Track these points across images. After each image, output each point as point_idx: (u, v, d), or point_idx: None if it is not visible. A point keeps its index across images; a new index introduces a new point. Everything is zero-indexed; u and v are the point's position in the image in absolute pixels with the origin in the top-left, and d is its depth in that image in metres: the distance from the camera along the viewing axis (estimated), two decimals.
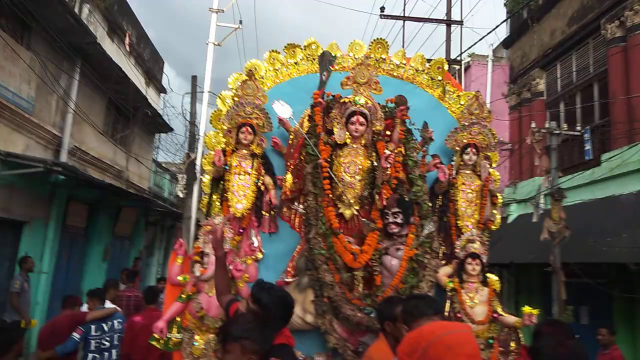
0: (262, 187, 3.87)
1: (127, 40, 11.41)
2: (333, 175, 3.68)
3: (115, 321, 4.50)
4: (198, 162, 11.19)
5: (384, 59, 4.24)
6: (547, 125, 7.48)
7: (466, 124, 4.00)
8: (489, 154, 4.07)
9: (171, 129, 13.84)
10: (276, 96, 3.98)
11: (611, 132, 7.71)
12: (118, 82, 9.84)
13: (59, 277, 8.68)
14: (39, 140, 8.16)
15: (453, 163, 4.02)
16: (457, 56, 11.54)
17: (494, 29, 10.77)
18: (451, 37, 11.60)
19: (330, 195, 3.67)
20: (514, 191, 10.31)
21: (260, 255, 3.79)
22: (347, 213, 3.70)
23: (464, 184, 3.94)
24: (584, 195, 7.78)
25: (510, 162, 10.97)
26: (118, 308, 4.91)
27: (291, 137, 3.95)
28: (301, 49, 4.23)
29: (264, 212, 3.89)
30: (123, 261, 11.74)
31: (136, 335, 4.31)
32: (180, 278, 3.47)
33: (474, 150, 3.96)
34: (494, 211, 4.05)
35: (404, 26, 12.33)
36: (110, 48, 10.45)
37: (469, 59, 12.09)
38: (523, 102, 10.57)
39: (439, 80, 4.26)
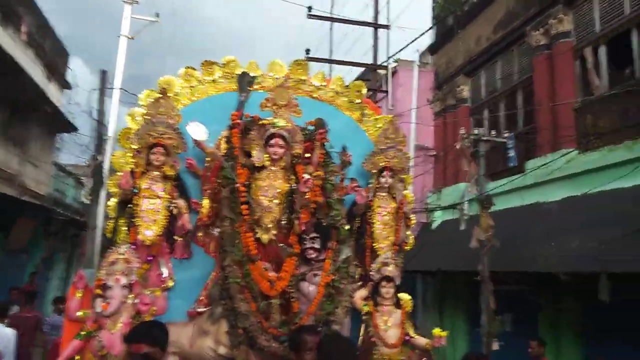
0: (175, 211, 3.67)
1: (23, 28, 10.22)
2: (251, 200, 3.58)
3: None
4: (106, 165, 10.25)
5: (304, 80, 4.22)
6: (474, 132, 7.51)
7: (382, 147, 4.09)
8: (403, 176, 4.20)
9: (75, 129, 12.65)
10: (192, 114, 3.80)
11: (536, 139, 7.83)
12: (11, 74, 8.75)
13: None
14: None
15: (370, 186, 4.09)
16: (384, 61, 11.54)
17: (420, 35, 10.24)
18: (379, 42, 11.83)
19: (248, 220, 3.57)
20: (438, 197, 10.38)
21: (170, 284, 3.59)
22: (265, 238, 3.61)
23: (380, 206, 4.03)
24: (509, 202, 7.77)
25: (435, 169, 11.12)
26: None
27: (208, 159, 3.79)
28: (219, 66, 4.08)
29: (176, 237, 3.70)
30: (18, 277, 10.58)
31: None
32: (79, 313, 3.17)
33: (389, 173, 4.06)
34: (408, 232, 4.18)
35: (331, 28, 12.42)
36: (3, 36, 9.26)
37: (396, 64, 12.08)
38: (448, 108, 10.63)
39: (358, 103, 4.33)
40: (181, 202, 3.67)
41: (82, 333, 3.09)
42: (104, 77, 11.12)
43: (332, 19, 12.25)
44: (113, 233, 3.64)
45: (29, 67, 9.92)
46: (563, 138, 7.24)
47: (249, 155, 3.74)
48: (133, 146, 3.74)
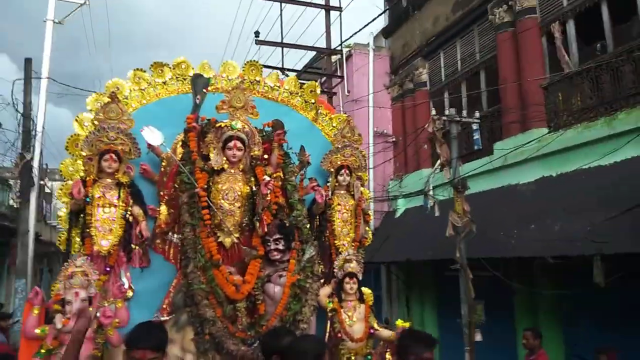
0: (131, 219, 3.55)
1: None
2: (211, 204, 3.54)
3: None
4: (35, 163, 9.43)
5: (258, 81, 4.21)
6: (446, 113, 7.12)
7: (339, 146, 4.17)
8: (360, 174, 4.30)
9: None
10: (143, 118, 3.69)
11: (503, 120, 7.61)
12: None
13: None
14: None
15: (329, 184, 4.16)
16: (338, 46, 11.18)
17: (375, 18, 9.59)
18: (331, 25, 11.20)
19: (209, 225, 3.53)
20: (399, 184, 10.09)
21: (130, 294, 3.49)
22: (227, 241, 3.60)
23: (339, 204, 4.11)
24: (478, 186, 7.37)
25: (394, 155, 10.82)
26: None
27: (163, 163, 3.70)
28: (170, 68, 3.98)
29: (133, 246, 3.59)
30: None
31: None
32: (38, 331, 3.01)
33: (347, 171, 4.14)
34: (367, 228, 4.30)
35: (281, 11, 11.24)
36: None
37: (350, 48, 11.62)
38: (406, 92, 10.33)
39: (312, 103, 4.37)
40: (137, 210, 3.57)
41: (42, 351, 2.95)
42: (29, 67, 10.21)
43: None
44: (67, 245, 3.47)
45: None
46: (532, 117, 6.98)
47: (206, 158, 3.69)
48: (82, 153, 3.57)
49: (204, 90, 3.85)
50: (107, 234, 3.41)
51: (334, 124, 4.41)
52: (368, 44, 11.36)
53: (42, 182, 12.23)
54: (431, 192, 7.79)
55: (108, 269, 3.37)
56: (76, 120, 3.71)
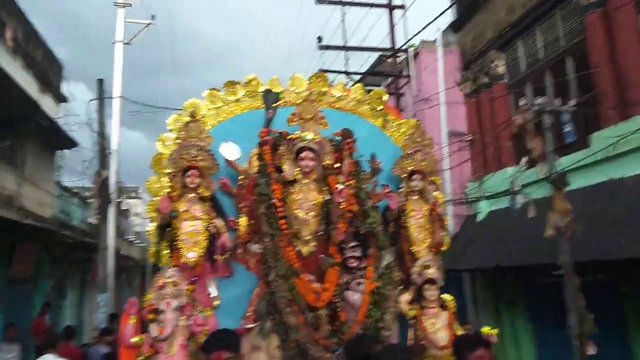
0: (214, 231, 3.71)
1: (8, 34, 9.11)
2: (288, 214, 3.63)
3: None
4: (111, 180, 9.99)
5: (325, 92, 4.28)
6: (537, 102, 6.11)
7: (410, 151, 4.14)
8: (433, 178, 4.24)
9: (75, 144, 11.59)
10: (219, 135, 3.87)
11: (599, 109, 6.78)
12: None
13: None
14: None
15: (401, 190, 4.13)
16: (403, 44, 10.65)
17: (442, 12, 8.98)
18: (395, 25, 10.79)
19: (287, 234, 3.61)
20: (479, 186, 9.31)
21: (217, 303, 3.63)
22: (305, 250, 3.66)
23: (413, 210, 4.06)
24: (574, 182, 6.32)
25: (471, 155, 10.03)
26: None
27: (241, 177, 3.85)
28: (242, 85, 4.16)
29: (216, 257, 3.74)
30: (25, 309, 9.78)
31: None
32: (135, 339, 3.21)
33: (419, 176, 4.10)
34: (443, 233, 4.21)
35: (343, 14, 10.97)
36: None
37: (417, 46, 11.07)
38: (480, 87, 9.61)
39: (380, 110, 4.38)
40: (219, 222, 3.72)
41: (140, 359, 3.13)
42: (101, 87, 10.59)
43: (343, 2, 11.01)
44: (156, 257, 3.68)
45: (18, 77, 8.91)
46: (635, 103, 6.17)
47: (280, 170, 3.80)
48: (166, 170, 3.80)
49: (275, 105, 3.98)
50: (193, 246, 3.58)
51: (403, 130, 4.39)
52: (435, 40, 10.78)
53: (118, 200, 12.72)
54: (522, 191, 6.85)
55: (195, 279, 3.54)
56: (159, 140, 3.95)
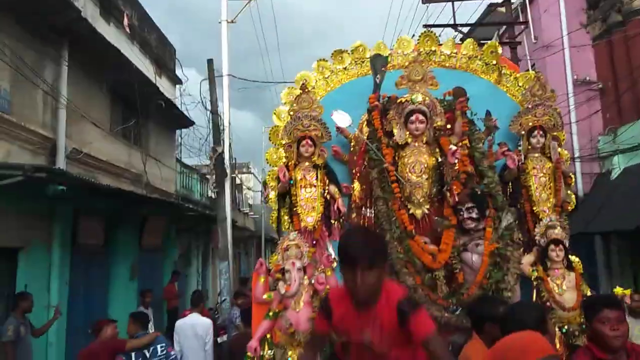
0: (329, 197, 3.89)
1: (125, 21, 9.47)
2: (400, 178, 3.66)
3: (158, 346, 4.32)
4: (226, 155, 10.23)
5: (434, 51, 4.16)
6: None
7: (529, 106, 3.87)
8: (556, 134, 3.93)
9: (192, 122, 12.24)
10: (329, 105, 3.99)
11: None
12: (120, 69, 8.12)
13: (76, 308, 7.06)
14: (25, 144, 6.31)
15: (520, 148, 3.91)
16: None
17: None
18: None
19: (400, 198, 3.66)
20: (613, 139, 8.48)
21: (335, 264, 3.83)
22: (418, 213, 3.68)
23: (534, 168, 3.83)
24: None
25: (602, 105, 9.13)
26: (158, 333, 4.76)
27: (352, 144, 3.95)
28: (348, 53, 4.21)
29: (333, 221, 3.92)
30: (155, 277, 10.39)
31: None
32: (265, 296, 3.55)
33: (541, 132, 3.84)
34: (569, 192, 3.92)
35: None
36: (107, 31, 8.59)
37: None
38: (612, 27, 8.64)
39: (494, 65, 4.15)
40: (333, 188, 3.89)
41: (270, 314, 3.45)
42: (211, 66, 10.75)
43: None
44: (278, 223, 3.98)
45: (137, 62, 9.27)
46: None
47: (391, 135, 3.82)
48: (282, 141, 4.03)
49: (383, 69, 3.97)
50: (310, 211, 3.80)
51: (521, 84, 4.12)
52: None
53: (232, 175, 13.40)
54: None
55: (315, 242, 3.76)
56: (274, 113, 4.20)
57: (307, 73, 4.20)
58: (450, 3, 9.71)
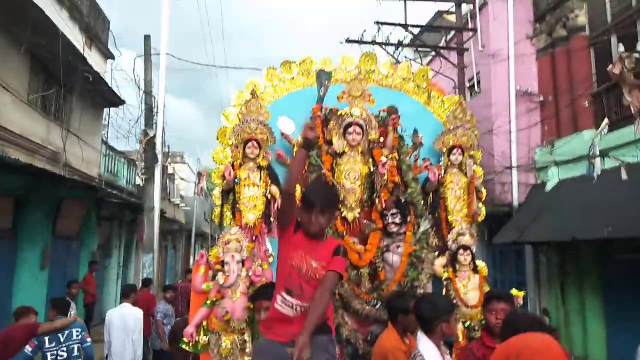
0: (270, 197, 4.21)
1: None
2: (336, 183, 4.05)
3: (73, 330, 4.35)
4: (158, 140, 9.36)
5: (374, 70, 4.60)
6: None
7: (451, 127, 4.41)
8: (473, 153, 4.50)
9: (122, 101, 11.02)
10: (276, 111, 4.30)
11: None
12: (44, 33, 7.12)
13: None
14: None
15: (441, 163, 4.44)
16: None
17: None
18: None
19: None
20: (550, 152, 8.62)
21: (271, 259, 4.15)
22: (350, 216, 4.09)
23: (452, 182, 4.37)
24: None
25: (542, 117, 9.28)
26: (78, 318, 4.77)
27: (295, 149, 4.28)
28: (297, 65, 4.55)
29: (272, 219, 4.24)
30: (70, 267, 9.58)
31: None
32: (204, 286, 3.79)
33: (459, 151, 4.38)
34: (480, 205, 4.50)
35: None
36: None
37: None
38: (557, 42, 8.84)
39: (425, 87, 4.65)
40: (274, 189, 4.20)
41: (208, 302, 3.72)
42: (149, 44, 9.96)
43: None
44: (220, 218, 4.23)
45: (64, 27, 8.26)
46: None
47: (330, 143, 4.20)
48: (230, 142, 4.29)
49: (327, 84, 4.34)
50: (252, 209, 4.10)
51: (446, 106, 4.65)
52: None
53: (165, 164, 12.31)
54: (594, 156, 6.22)
55: (254, 237, 4.07)
56: (223, 114, 4.44)
57: (256, 80, 4.49)
58: (402, 2, 9.73)
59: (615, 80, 5.57)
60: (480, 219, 4.51)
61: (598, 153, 6.26)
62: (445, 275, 4.03)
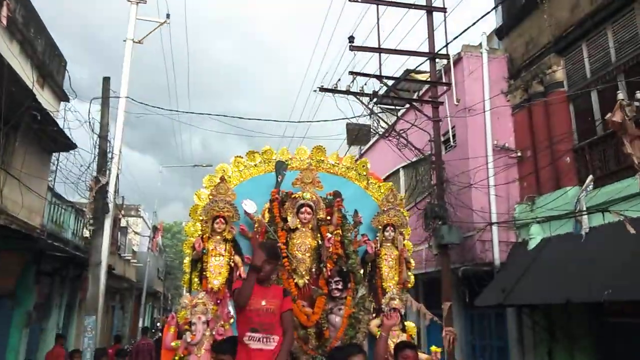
0: (233, 265, 4.95)
1: (4, 11, 7.66)
2: (289, 254, 4.86)
3: None
4: (110, 188, 8.75)
5: (323, 160, 5.59)
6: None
7: (385, 209, 5.38)
8: (402, 230, 5.46)
9: (74, 145, 10.13)
10: (241, 193, 5.15)
11: None
12: None
13: None
14: None
15: (377, 238, 5.36)
16: (441, 48, 9.60)
17: (487, 13, 7.55)
18: (435, 29, 9.69)
19: (288, 269, 4.84)
20: (531, 208, 8.33)
21: (232, 320, 4.82)
22: (301, 282, 4.87)
23: (386, 254, 5.27)
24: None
25: (519, 173, 9.10)
26: None
27: (256, 225, 5.11)
28: (259, 154, 5.48)
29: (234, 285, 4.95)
30: (1, 326, 8.79)
31: None
32: (173, 344, 4.40)
33: (392, 228, 5.33)
34: (409, 273, 5.40)
35: (378, 13, 9.53)
36: None
37: (460, 51, 10.18)
38: (533, 97, 8.79)
39: (364, 175, 5.67)
40: (237, 258, 4.96)
41: (176, 358, 4.31)
42: (107, 85, 9.37)
43: (379, 2, 9.61)
44: (189, 284, 4.91)
45: (13, 61, 7.75)
46: None
47: (285, 220, 5.06)
48: (200, 218, 5.07)
49: (284, 172, 5.28)
50: (217, 275, 4.81)
51: (382, 191, 5.65)
52: (480, 44, 9.95)
53: (118, 216, 11.40)
54: (579, 212, 5.90)
55: (219, 301, 4.75)
56: (196, 194, 5.25)
57: (225, 165, 5.37)
58: (377, 54, 9.54)
59: (612, 130, 5.27)
60: (410, 286, 5.39)
61: (585, 209, 6.01)
62: (379, 334, 4.79)
